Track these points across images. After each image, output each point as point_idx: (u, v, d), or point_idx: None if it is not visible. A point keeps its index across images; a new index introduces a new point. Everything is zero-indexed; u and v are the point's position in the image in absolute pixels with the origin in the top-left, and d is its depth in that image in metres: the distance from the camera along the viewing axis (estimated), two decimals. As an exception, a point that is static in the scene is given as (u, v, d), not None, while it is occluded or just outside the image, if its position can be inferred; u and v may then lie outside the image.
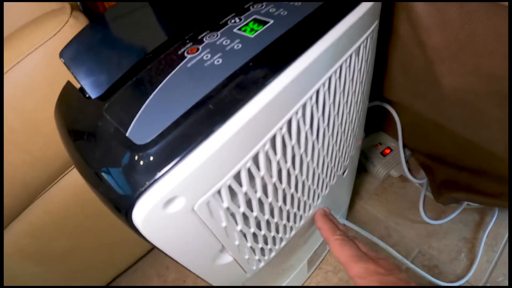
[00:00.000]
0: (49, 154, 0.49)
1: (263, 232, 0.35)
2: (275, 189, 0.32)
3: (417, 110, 0.58)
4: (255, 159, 0.27)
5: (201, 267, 0.33)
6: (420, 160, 0.81)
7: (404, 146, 0.83)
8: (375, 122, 0.87)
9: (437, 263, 0.73)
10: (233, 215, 0.30)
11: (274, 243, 0.41)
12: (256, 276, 0.46)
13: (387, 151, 0.84)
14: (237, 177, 0.27)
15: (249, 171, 0.27)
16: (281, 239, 0.41)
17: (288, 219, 0.39)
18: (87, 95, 0.26)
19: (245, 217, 0.31)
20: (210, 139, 0.22)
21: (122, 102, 0.25)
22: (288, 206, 0.36)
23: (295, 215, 0.40)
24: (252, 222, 0.32)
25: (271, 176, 0.30)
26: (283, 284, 0.59)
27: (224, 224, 0.29)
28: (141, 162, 0.22)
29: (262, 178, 0.29)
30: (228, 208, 0.28)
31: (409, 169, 0.80)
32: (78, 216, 0.61)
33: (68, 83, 0.30)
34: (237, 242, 0.33)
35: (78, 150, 0.25)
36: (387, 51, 0.53)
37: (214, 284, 0.41)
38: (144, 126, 0.23)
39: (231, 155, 0.24)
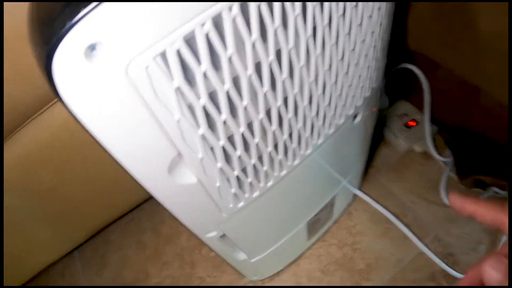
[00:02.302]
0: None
1: (238, 152, 0.29)
2: (254, 91, 0.26)
3: (447, 65, 0.49)
4: (217, 23, 0.21)
5: (156, 182, 0.28)
6: (446, 137, 0.72)
7: (432, 121, 0.74)
8: (400, 89, 0.78)
9: (453, 251, 0.64)
10: (191, 108, 0.24)
11: (257, 178, 0.35)
12: (242, 226, 0.41)
13: (412, 123, 0.75)
14: (194, 47, 0.21)
15: (208, 39, 0.21)
16: (267, 176, 0.35)
17: (275, 148, 0.32)
18: None
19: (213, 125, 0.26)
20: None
21: None
22: (274, 126, 0.30)
23: (286, 146, 0.33)
24: (220, 129, 0.26)
25: (245, 68, 0.24)
26: (278, 244, 0.54)
27: (176, 116, 0.23)
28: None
29: (231, 60, 0.23)
30: (180, 91, 0.22)
31: (434, 146, 0.71)
32: (67, 149, 0.58)
33: None
34: (200, 155, 0.27)
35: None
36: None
37: (185, 223, 0.35)
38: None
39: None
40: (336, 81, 0.32)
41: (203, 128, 0.25)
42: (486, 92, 0.50)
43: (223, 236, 0.40)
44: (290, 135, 0.33)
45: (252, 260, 0.52)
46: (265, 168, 0.33)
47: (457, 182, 0.67)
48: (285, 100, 0.29)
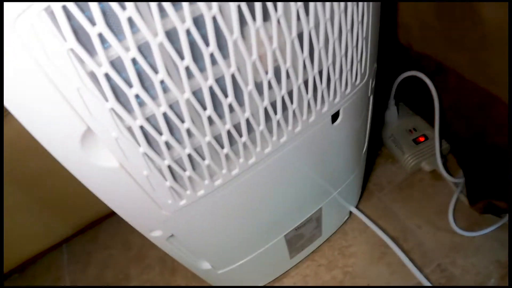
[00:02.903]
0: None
1: (164, 136, 0.26)
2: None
3: (453, 65, 0.43)
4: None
5: (70, 160, 0.25)
6: (460, 156, 0.65)
7: (445, 138, 0.67)
8: (410, 101, 0.72)
9: (458, 284, 0.56)
10: (94, 76, 0.21)
11: (199, 173, 0.31)
12: (193, 228, 0.37)
13: (422, 139, 0.69)
14: None
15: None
16: (213, 171, 0.32)
17: (221, 119, 0.29)
18: None
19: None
20: None
21: None
22: (210, 81, 0.25)
23: (246, 122, 0.30)
24: (134, 105, 0.23)
25: (155, 34, 0.21)
26: (251, 257, 0.49)
27: (75, 83, 0.21)
28: None
29: (131, 20, 0.20)
30: (76, 55, 0.20)
31: (444, 165, 0.64)
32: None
33: None
34: (113, 134, 0.24)
35: None
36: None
37: (121, 215, 0.33)
38: None
39: None
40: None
41: (112, 102, 0.22)
42: (498, 100, 0.44)
43: (172, 237, 0.37)
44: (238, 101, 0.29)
45: (219, 272, 0.48)
46: (206, 161, 0.30)
47: (468, 206, 0.60)
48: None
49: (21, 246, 0.66)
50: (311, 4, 0.26)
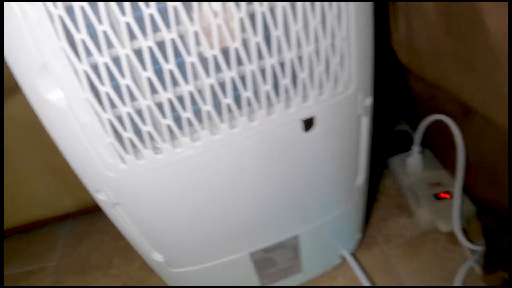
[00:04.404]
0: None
1: (105, 57, 0.26)
2: None
3: (464, 94, 0.38)
4: None
5: (30, 89, 0.27)
6: (486, 223, 0.56)
7: (468, 194, 0.59)
8: (435, 147, 0.65)
9: None
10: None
11: (140, 137, 0.30)
12: (137, 200, 0.36)
13: (444, 195, 0.61)
14: None
15: None
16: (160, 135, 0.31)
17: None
18: None
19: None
20: None
21: None
22: (150, 42, 0.26)
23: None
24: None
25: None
26: (210, 264, 0.46)
27: None
28: None
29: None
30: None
31: (464, 230, 0.55)
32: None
33: None
34: (59, 62, 0.25)
35: None
36: None
37: (71, 165, 0.33)
38: None
39: None
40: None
41: (63, 42, 0.24)
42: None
43: (117, 205, 0.36)
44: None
45: (174, 270, 0.46)
46: (147, 127, 0.30)
47: (480, 277, 0.50)
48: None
49: (25, 208, 0.70)
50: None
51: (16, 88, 0.29)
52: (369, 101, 0.39)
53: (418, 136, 0.62)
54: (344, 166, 0.43)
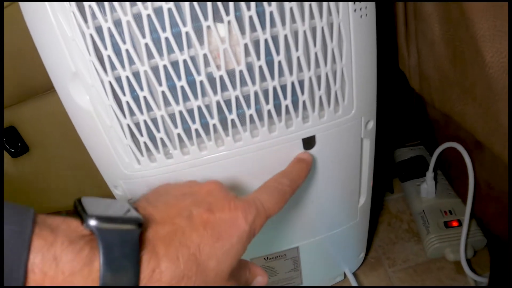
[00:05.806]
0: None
1: (126, 72, 0.31)
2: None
3: (468, 124, 0.39)
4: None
5: (63, 91, 0.31)
6: (495, 256, 0.54)
7: (481, 224, 0.58)
8: (448, 174, 0.64)
9: None
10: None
11: (154, 143, 0.34)
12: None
13: (455, 223, 0.60)
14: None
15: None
16: (170, 144, 0.35)
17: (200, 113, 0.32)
18: None
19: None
20: None
21: None
22: (165, 61, 0.30)
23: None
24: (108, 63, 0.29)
25: None
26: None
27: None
28: None
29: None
30: None
31: (469, 262, 0.54)
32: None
33: None
34: (89, 81, 0.29)
35: None
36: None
37: (94, 160, 0.37)
38: None
39: None
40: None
41: (93, 56, 0.29)
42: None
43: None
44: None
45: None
46: (160, 135, 0.33)
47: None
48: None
49: (55, 198, 0.77)
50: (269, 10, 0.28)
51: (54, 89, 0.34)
52: (371, 124, 0.41)
53: (432, 162, 0.62)
54: (346, 186, 0.45)
